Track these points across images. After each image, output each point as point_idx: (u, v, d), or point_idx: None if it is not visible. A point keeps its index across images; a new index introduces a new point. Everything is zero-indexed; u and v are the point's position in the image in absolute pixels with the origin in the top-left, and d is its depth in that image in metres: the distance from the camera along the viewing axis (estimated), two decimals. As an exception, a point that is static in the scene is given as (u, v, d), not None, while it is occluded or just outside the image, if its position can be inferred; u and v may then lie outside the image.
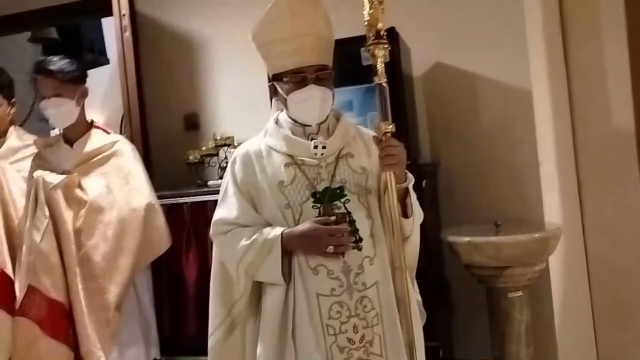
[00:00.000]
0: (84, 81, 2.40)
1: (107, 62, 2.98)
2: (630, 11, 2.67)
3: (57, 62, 2.31)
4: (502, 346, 2.41)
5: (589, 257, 2.77)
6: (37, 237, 2.21)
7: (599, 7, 2.79)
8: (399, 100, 2.56)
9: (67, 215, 2.25)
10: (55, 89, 2.29)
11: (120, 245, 2.27)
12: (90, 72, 2.56)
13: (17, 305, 2.20)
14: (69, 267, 2.22)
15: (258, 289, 1.85)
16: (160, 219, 2.39)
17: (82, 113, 2.42)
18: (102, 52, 3.41)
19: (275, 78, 1.84)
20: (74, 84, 2.33)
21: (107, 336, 2.22)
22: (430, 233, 2.41)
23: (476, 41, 2.77)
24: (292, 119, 1.84)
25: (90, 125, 2.46)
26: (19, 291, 2.22)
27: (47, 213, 2.23)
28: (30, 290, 2.18)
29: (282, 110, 1.88)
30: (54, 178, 2.28)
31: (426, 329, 1.94)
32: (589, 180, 2.79)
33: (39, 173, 2.29)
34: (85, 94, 2.41)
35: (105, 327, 2.22)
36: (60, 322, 2.21)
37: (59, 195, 2.25)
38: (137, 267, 2.33)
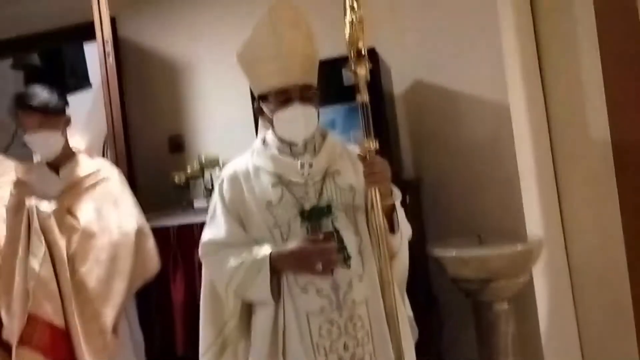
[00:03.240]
0: (67, 110, 2.41)
1: (89, 85, 2.98)
2: (601, 25, 2.74)
3: (39, 96, 2.32)
4: (489, 358, 2.43)
5: (572, 267, 2.81)
6: (36, 264, 2.20)
7: (571, 23, 2.86)
8: (381, 117, 2.60)
9: (61, 241, 2.26)
10: (40, 123, 2.30)
11: (113, 269, 2.28)
12: (72, 96, 2.57)
13: (11, 334, 2.18)
14: (65, 293, 2.22)
15: (249, 309, 1.85)
16: (151, 242, 2.41)
17: (67, 140, 2.43)
18: (85, 76, 3.40)
19: (260, 98, 1.86)
20: (57, 115, 2.35)
21: None
22: (415, 247, 2.42)
23: (454, 59, 2.82)
24: (278, 137, 1.86)
25: (74, 151, 2.47)
26: (17, 319, 2.20)
27: (43, 242, 2.23)
28: (31, 318, 2.18)
29: (268, 130, 1.90)
30: (46, 206, 2.29)
31: (415, 343, 1.95)
32: (568, 191, 2.84)
33: (31, 202, 2.28)
34: (68, 122, 2.42)
35: (102, 351, 2.22)
36: (63, 348, 2.20)
37: (53, 223, 2.26)
38: (130, 290, 2.34)
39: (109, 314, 2.24)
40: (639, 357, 2.56)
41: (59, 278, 2.23)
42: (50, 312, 2.19)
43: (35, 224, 2.25)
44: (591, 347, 2.74)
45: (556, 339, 2.68)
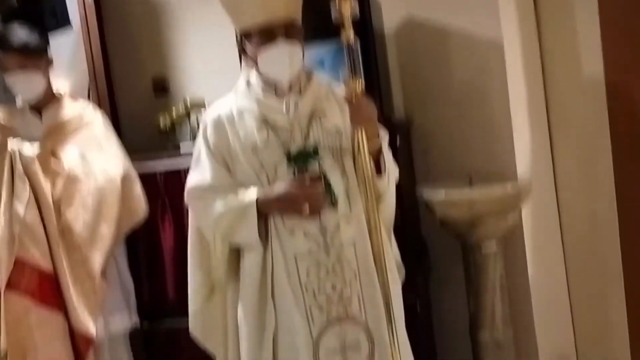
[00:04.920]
0: (48, 49, 2.34)
1: (69, 26, 2.89)
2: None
3: (19, 35, 2.26)
4: (478, 298, 2.46)
5: (561, 207, 2.82)
6: (21, 209, 2.18)
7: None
8: (370, 57, 2.54)
9: (46, 185, 2.23)
10: (21, 63, 2.25)
11: (100, 214, 2.26)
12: (53, 37, 2.50)
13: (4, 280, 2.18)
14: (52, 237, 2.21)
15: (237, 253, 1.85)
16: (137, 187, 2.39)
17: (49, 81, 2.37)
18: (65, 16, 3.29)
19: (244, 35, 1.80)
20: (38, 55, 2.29)
21: (94, 305, 2.23)
22: (405, 190, 2.42)
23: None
24: (262, 77, 1.82)
25: (57, 93, 2.42)
26: (4, 264, 2.20)
27: (27, 186, 2.20)
28: (18, 262, 2.17)
29: (252, 69, 1.85)
30: (29, 149, 2.25)
31: (404, 285, 1.97)
32: (560, 131, 2.81)
33: (13, 145, 2.24)
34: (50, 62, 2.37)
35: (91, 295, 2.23)
36: (52, 291, 2.20)
37: (37, 166, 2.23)
38: (118, 236, 2.34)
39: (96, 259, 2.24)
40: (625, 295, 2.59)
41: (45, 222, 2.22)
42: (37, 256, 2.19)
43: (19, 168, 2.22)
44: (578, 286, 2.78)
45: (544, 279, 2.71)
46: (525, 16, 2.80)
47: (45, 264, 2.19)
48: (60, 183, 2.25)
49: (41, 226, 2.20)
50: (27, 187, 2.20)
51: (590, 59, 2.69)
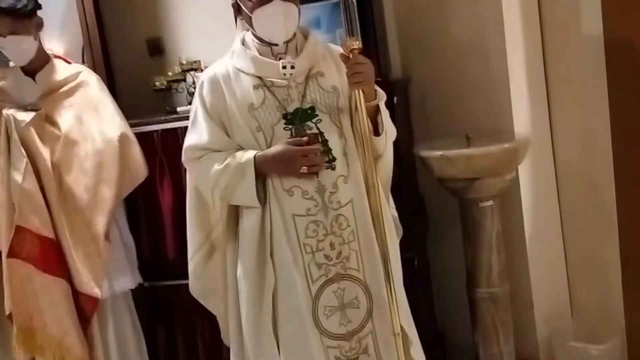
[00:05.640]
0: (37, 12, 2.30)
1: (60, -14, 2.85)
2: None
3: None
4: (474, 254, 2.49)
5: (558, 165, 2.83)
6: (19, 177, 2.18)
7: None
8: (367, 15, 2.51)
9: (44, 151, 2.22)
10: (10, 27, 2.20)
11: (100, 176, 2.26)
12: (43, -1, 2.45)
13: (5, 246, 2.20)
14: (52, 203, 2.21)
15: (235, 212, 1.87)
16: (136, 148, 2.38)
17: (40, 44, 2.34)
18: (56, -24, 3.23)
19: (238, -5, 1.78)
20: (28, 18, 2.25)
21: (98, 267, 2.25)
22: (403, 148, 2.42)
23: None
24: (258, 38, 1.80)
25: (50, 55, 2.39)
26: (4, 232, 2.21)
27: (24, 152, 2.19)
28: (19, 230, 2.18)
29: (247, 30, 1.83)
30: (24, 115, 2.23)
31: (401, 241, 1.99)
32: (558, 89, 2.80)
33: (7, 111, 2.23)
34: (40, 25, 2.33)
35: (95, 258, 2.24)
36: (54, 257, 2.22)
37: (33, 133, 2.22)
38: (119, 197, 2.34)
39: (99, 221, 2.25)
40: (620, 253, 2.62)
41: (45, 189, 2.22)
42: (38, 223, 2.19)
43: (14, 135, 2.21)
44: (574, 242, 2.81)
45: (540, 234, 2.74)
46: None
47: (46, 231, 2.20)
48: (58, 148, 2.24)
49: (40, 193, 2.20)
50: (24, 155, 2.19)
51: (589, 16, 2.65)
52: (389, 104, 1.90)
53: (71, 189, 2.22)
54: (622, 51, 2.58)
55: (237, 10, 1.81)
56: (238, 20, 1.87)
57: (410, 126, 2.83)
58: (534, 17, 2.78)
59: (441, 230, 2.85)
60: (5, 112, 2.24)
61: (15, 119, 2.22)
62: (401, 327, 1.77)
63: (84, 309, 2.26)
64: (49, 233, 2.21)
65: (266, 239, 1.79)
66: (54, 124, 2.28)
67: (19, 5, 2.21)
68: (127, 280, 2.41)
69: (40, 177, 2.22)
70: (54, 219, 2.22)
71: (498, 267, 2.48)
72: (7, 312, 2.25)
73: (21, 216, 2.18)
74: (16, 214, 2.18)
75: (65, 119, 2.28)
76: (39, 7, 2.32)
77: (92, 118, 2.32)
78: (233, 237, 1.89)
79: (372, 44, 2.53)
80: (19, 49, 2.25)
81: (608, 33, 2.59)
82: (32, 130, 2.22)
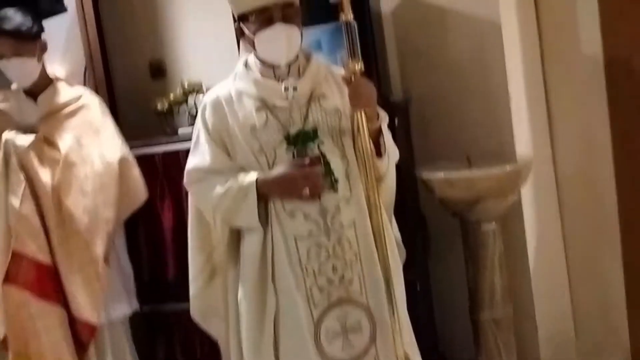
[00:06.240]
0: (42, 35, 2.32)
1: (64, 9, 2.86)
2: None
3: (12, 20, 2.22)
4: (477, 276, 2.47)
5: (559, 184, 2.83)
6: (16, 202, 2.17)
7: None
8: (367, 37, 2.53)
9: (44, 174, 2.21)
10: (14, 49, 2.21)
11: (99, 198, 2.25)
12: (47, 21, 2.47)
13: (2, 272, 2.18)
14: (51, 227, 2.20)
15: (237, 235, 1.86)
16: (135, 171, 2.38)
17: (43, 66, 2.35)
18: (59, 0, 3.26)
19: (241, 19, 1.79)
20: (32, 40, 2.26)
21: (97, 291, 2.22)
22: (404, 169, 2.42)
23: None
24: (260, 60, 1.81)
25: (52, 78, 2.40)
26: (0, 257, 2.19)
27: (22, 176, 2.19)
28: (16, 256, 2.16)
29: (250, 52, 1.84)
30: (24, 139, 2.23)
31: (404, 264, 1.98)
32: (558, 109, 2.81)
33: (7, 135, 2.22)
34: (44, 47, 2.34)
35: (94, 281, 2.22)
36: (50, 283, 2.20)
37: (32, 156, 2.21)
38: (119, 219, 2.33)
39: (98, 243, 2.23)
40: (623, 272, 2.61)
41: (44, 213, 2.20)
42: (34, 249, 2.17)
43: (13, 159, 2.20)
44: (577, 264, 2.80)
45: (543, 257, 2.72)
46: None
47: (42, 256, 2.18)
48: (57, 171, 2.23)
49: (37, 218, 2.18)
50: (22, 179, 2.18)
51: (588, 33, 2.67)
52: (389, 125, 1.90)
53: (70, 212, 2.21)
54: (621, 69, 2.60)
55: (241, 32, 1.82)
56: (241, 43, 1.88)
57: (411, 146, 2.83)
58: (532, 36, 2.80)
59: (443, 251, 2.84)
60: (4, 136, 2.23)
61: (14, 143, 2.22)
62: (405, 352, 1.75)
63: (81, 336, 2.23)
64: (45, 258, 2.19)
65: (268, 262, 1.78)
66: (54, 146, 2.28)
67: (24, 28, 2.23)
68: (124, 307, 2.39)
69: (39, 201, 2.20)
70: (52, 243, 2.20)
71: (501, 289, 2.47)
72: (1, 336, 2.23)
73: (18, 241, 2.17)
74: (13, 239, 2.17)
75: (66, 141, 2.28)
76: (43, 29, 2.34)
77: (93, 141, 2.32)
78: (234, 260, 1.88)
79: (373, 65, 2.54)
80: (22, 71, 2.26)
81: (607, 51, 2.61)
82: (32, 154, 2.22)
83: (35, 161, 2.22)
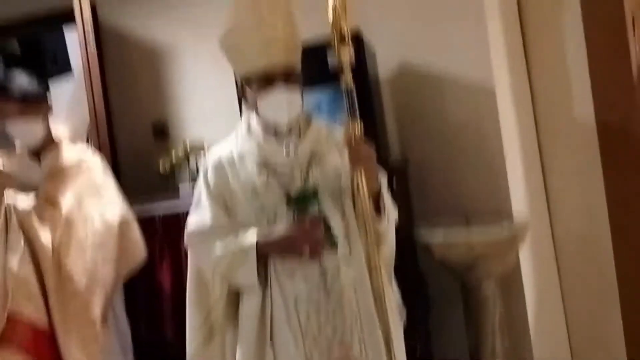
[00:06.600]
0: (48, 97, 2.36)
1: (70, 72, 2.93)
2: (586, 7, 2.74)
3: (19, 83, 2.26)
4: (478, 340, 2.45)
5: (557, 246, 2.84)
6: (15, 264, 2.16)
7: (556, 4, 2.86)
8: (366, 102, 2.58)
9: (44, 236, 2.21)
10: (19, 110, 2.24)
11: (99, 258, 2.24)
12: (53, 82, 2.53)
13: None
14: (50, 288, 2.18)
15: (236, 296, 1.85)
16: (135, 231, 2.38)
17: (48, 127, 2.38)
18: (66, 62, 3.35)
19: (244, 82, 1.84)
20: (37, 102, 2.29)
21: (95, 353, 2.18)
22: (403, 230, 2.43)
23: (439, 42, 2.81)
24: (263, 121, 1.85)
25: (56, 138, 2.43)
26: None
27: (21, 238, 2.18)
28: (12, 318, 2.13)
29: (252, 114, 1.89)
30: (25, 202, 2.24)
31: (404, 327, 1.96)
32: (553, 171, 2.85)
33: (8, 198, 2.23)
34: (49, 109, 2.37)
35: (93, 343, 2.18)
36: (46, 346, 2.16)
37: (33, 219, 2.22)
38: (118, 279, 2.32)
39: (97, 304, 2.21)
40: (624, 336, 2.59)
41: (44, 274, 2.18)
42: (31, 311, 2.15)
43: (13, 221, 2.20)
44: (577, 326, 2.78)
45: (543, 319, 2.70)
46: (515, 61, 2.87)
47: (39, 319, 2.15)
48: (58, 231, 2.23)
49: (36, 280, 2.17)
50: (22, 241, 2.18)
51: (580, 98, 2.75)
52: (388, 187, 1.92)
53: (70, 272, 2.19)
54: (614, 131, 2.65)
55: (243, 94, 1.86)
56: (243, 104, 1.93)
57: (409, 208, 2.85)
58: (526, 100, 2.87)
59: (443, 313, 2.81)
60: (6, 199, 2.23)
61: (15, 207, 2.22)
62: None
63: None
64: (42, 322, 2.16)
65: (266, 323, 1.76)
66: (55, 206, 2.28)
67: (30, 90, 2.27)
68: None
69: (38, 262, 2.19)
70: (51, 304, 2.17)
71: (501, 352, 2.44)
72: None
73: (14, 303, 2.14)
74: (9, 301, 2.15)
75: (67, 201, 2.28)
76: (49, 90, 2.38)
77: (94, 201, 2.33)
78: (233, 321, 1.86)
79: (371, 127, 2.59)
80: (27, 132, 2.29)
81: (600, 115, 2.67)
82: (33, 216, 2.22)
83: (36, 222, 2.22)
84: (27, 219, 2.21)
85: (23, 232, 2.20)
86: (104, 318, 2.23)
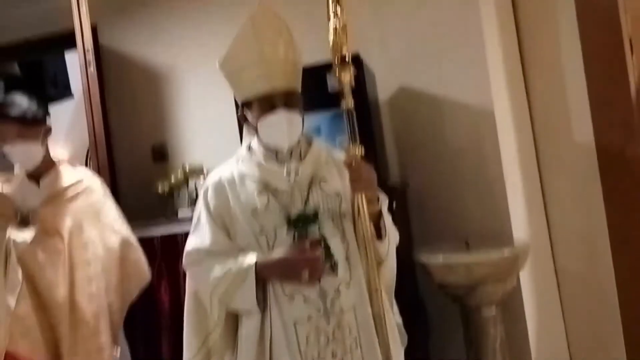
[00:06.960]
0: (47, 119, 2.36)
1: (71, 95, 2.95)
2: (584, 30, 2.77)
3: (18, 105, 2.25)
4: (479, 363, 2.42)
5: (558, 270, 2.83)
6: (12, 302, 2.14)
7: (553, 28, 2.89)
8: (366, 124, 2.60)
9: (49, 271, 2.18)
10: (19, 134, 2.23)
11: (103, 284, 2.23)
12: (53, 106, 2.53)
13: None
14: (59, 322, 2.16)
15: (234, 319, 1.83)
16: (137, 252, 2.37)
17: (47, 150, 2.37)
18: (66, 85, 3.37)
19: (244, 105, 1.84)
20: (37, 125, 2.28)
21: None
22: (402, 253, 2.41)
23: (439, 65, 2.83)
24: (263, 144, 1.85)
25: (55, 160, 2.43)
26: None
27: (19, 275, 2.16)
28: (9, 356, 2.10)
29: (253, 137, 1.89)
30: (23, 236, 2.22)
31: (404, 349, 1.94)
32: (553, 194, 2.85)
33: (7, 233, 2.21)
34: (48, 132, 2.36)
35: None
36: None
37: (35, 252, 2.20)
38: (124, 303, 2.31)
39: (104, 331, 2.19)
40: (626, 356, 2.56)
41: (47, 307, 2.16)
42: (27, 348, 2.12)
43: (12, 257, 2.18)
44: (579, 350, 2.75)
45: (544, 342, 2.68)
46: (515, 85, 2.89)
47: (36, 354, 2.13)
48: (61, 259, 2.21)
49: (35, 317, 2.14)
50: (20, 278, 2.15)
51: (579, 122, 2.76)
52: (387, 208, 1.92)
53: (76, 301, 2.17)
54: (614, 154, 2.66)
55: (244, 118, 1.87)
56: (244, 127, 1.93)
57: (409, 231, 2.84)
58: (526, 124, 2.88)
59: (443, 335, 2.79)
60: (5, 235, 2.20)
61: (15, 243, 2.20)
62: None
63: None
64: (40, 353, 2.13)
65: (265, 347, 1.74)
66: (56, 236, 2.25)
67: (29, 113, 2.25)
68: None
69: (40, 298, 2.17)
70: (59, 335, 2.15)
71: (504, 376, 2.41)
72: None
73: (11, 341, 2.11)
74: (6, 339, 2.11)
75: (67, 227, 2.27)
76: (49, 113, 2.38)
77: (94, 224, 2.31)
78: (231, 344, 1.83)
79: (371, 150, 2.60)
80: (26, 155, 2.28)
81: (599, 138, 2.68)
82: (33, 250, 2.20)
83: (38, 257, 2.19)
84: (27, 254, 2.19)
85: (23, 267, 2.17)
86: (112, 344, 2.21)
